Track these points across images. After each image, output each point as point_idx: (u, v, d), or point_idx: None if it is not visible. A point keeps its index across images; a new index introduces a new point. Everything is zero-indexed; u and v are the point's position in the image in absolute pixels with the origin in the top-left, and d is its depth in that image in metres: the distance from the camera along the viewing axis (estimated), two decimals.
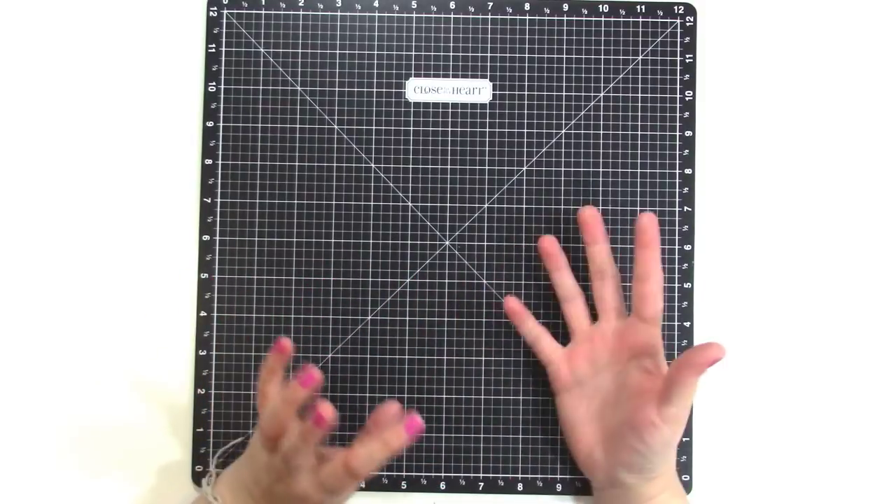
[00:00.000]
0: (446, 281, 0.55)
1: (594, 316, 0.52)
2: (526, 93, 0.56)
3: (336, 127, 0.56)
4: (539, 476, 0.55)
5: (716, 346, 0.44)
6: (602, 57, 0.56)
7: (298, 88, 0.56)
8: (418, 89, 0.56)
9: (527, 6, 0.56)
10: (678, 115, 0.56)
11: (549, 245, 0.52)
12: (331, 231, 0.55)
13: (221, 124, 0.56)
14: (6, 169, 0.56)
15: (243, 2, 0.56)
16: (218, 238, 0.55)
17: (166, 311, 0.55)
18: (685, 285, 0.55)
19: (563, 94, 0.56)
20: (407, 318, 0.55)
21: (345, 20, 0.56)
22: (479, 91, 0.56)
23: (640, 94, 0.56)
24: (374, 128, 0.56)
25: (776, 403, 0.55)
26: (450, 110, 0.56)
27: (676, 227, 0.56)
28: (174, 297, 0.55)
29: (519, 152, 0.56)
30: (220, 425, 0.55)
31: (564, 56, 0.56)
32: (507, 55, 0.56)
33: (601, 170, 0.56)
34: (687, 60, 0.56)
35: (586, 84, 0.56)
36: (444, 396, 0.55)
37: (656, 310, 0.49)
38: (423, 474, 0.54)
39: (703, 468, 0.55)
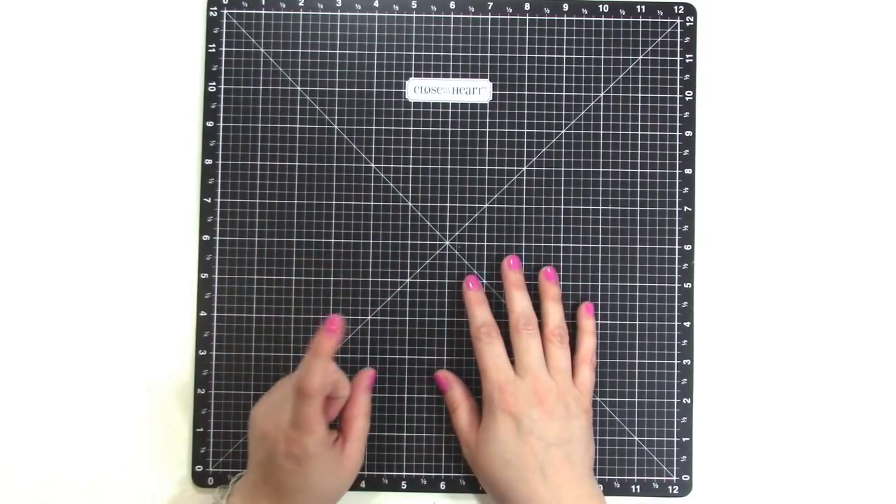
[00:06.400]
0: (446, 281, 0.55)
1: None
2: (526, 93, 0.56)
3: (336, 127, 0.56)
4: None
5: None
6: (602, 57, 0.56)
7: (298, 88, 0.56)
8: (418, 89, 0.56)
9: (527, 6, 0.56)
10: (678, 115, 0.56)
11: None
12: (331, 231, 0.55)
13: (221, 124, 0.56)
14: (6, 169, 0.56)
15: (243, 2, 0.56)
16: (218, 238, 0.55)
17: (166, 311, 0.55)
18: (685, 285, 0.55)
19: (563, 94, 0.56)
20: (407, 318, 0.55)
21: (345, 20, 0.56)
22: (479, 91, 0.56)
23: (640, 94, 0.56)
24: (374, 128, 0.56)
25: (776, 403, 0.55)
26: (450, 110, 0.56)
27: (676, 227, 0.56)
28: (174, 297, 0.55)
29: (519, 152, 0.56)
30: (220, 425, 0.55)
31: (564, 56, 0.56)
32: (507, 55, 0.56)
33: (601, 170, 0.56)
34: (687, 60, 0.56)
35: (586, 84, 0.56)
36: None
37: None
38: (423, 474, 0.54)
39: (703, 468, 0.55)
